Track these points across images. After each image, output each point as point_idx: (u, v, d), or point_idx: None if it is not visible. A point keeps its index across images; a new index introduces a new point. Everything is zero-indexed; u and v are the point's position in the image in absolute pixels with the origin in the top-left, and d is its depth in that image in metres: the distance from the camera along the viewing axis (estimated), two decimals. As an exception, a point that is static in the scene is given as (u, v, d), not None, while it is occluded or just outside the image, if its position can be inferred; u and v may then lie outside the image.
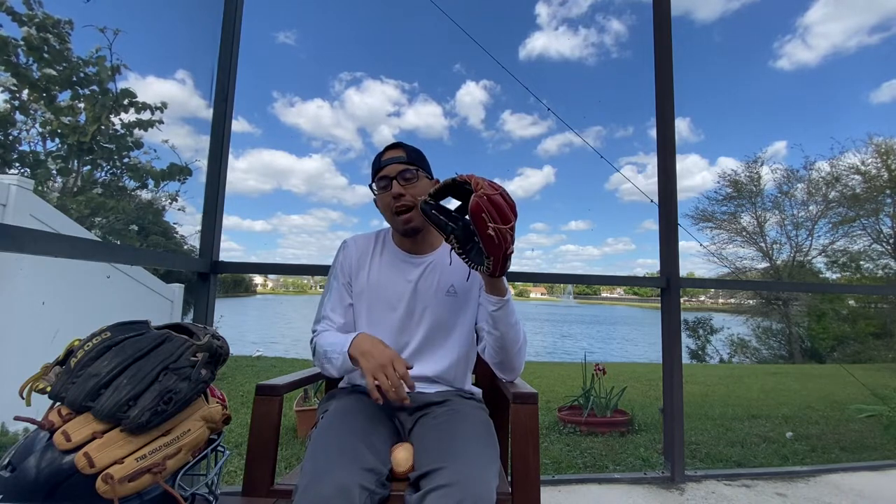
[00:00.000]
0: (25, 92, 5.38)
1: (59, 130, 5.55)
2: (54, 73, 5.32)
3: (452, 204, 1.01)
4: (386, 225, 1.28)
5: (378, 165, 1.15)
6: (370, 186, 1.19)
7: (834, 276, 12.31)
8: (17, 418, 0.79)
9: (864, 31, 21.86)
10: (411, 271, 1.18)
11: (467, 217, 0.94)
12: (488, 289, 1.03)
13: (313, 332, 1.16)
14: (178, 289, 5.14)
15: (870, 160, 11.34)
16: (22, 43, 5.08)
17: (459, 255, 0.97)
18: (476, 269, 0.96)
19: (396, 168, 1.13)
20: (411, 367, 0.96)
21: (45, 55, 5.22)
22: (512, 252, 0.93)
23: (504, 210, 0.89)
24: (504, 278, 1.02)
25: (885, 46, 18.87)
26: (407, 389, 0.92)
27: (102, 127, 5.74)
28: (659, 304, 2.32)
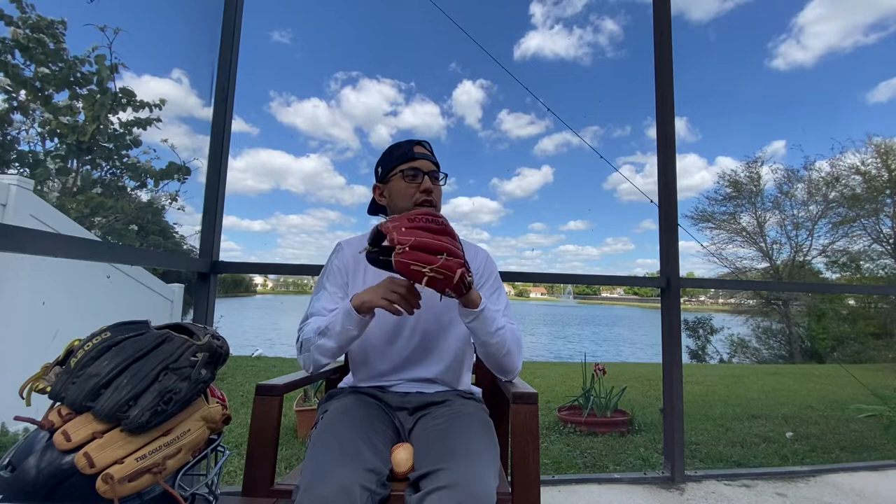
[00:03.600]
0: (23, 92, 5.39)
1: (57, 130, 5.54)
2: (48, 72, 5.31)
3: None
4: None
5: (411, 155, 1.16)
6: (386, 173, 1.18)
7: (834, 276, 12.33)
8: (17, 418, 0.79)
9: (860, 31, 21.87)
10: None
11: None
12: (460, 302, 1.01)
13: (299, 330, 1.13)
14: (177, 289, 5.14)
15: (870, 160, 11.35)
16: (13, 43, 5.08)
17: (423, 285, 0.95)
18: (444, 294, 0.93)
19: (429, 165, 1.16)
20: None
21: (41, 55, 5.22)
22: (466, 270, 0.90)
23: (432, 244, 0.86)
24: (472, 292, 0.99)
25: (881, 46, 18.87)
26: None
27: (101, 126, 5.74)
28: (659, 305, 2.32)
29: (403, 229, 0.86)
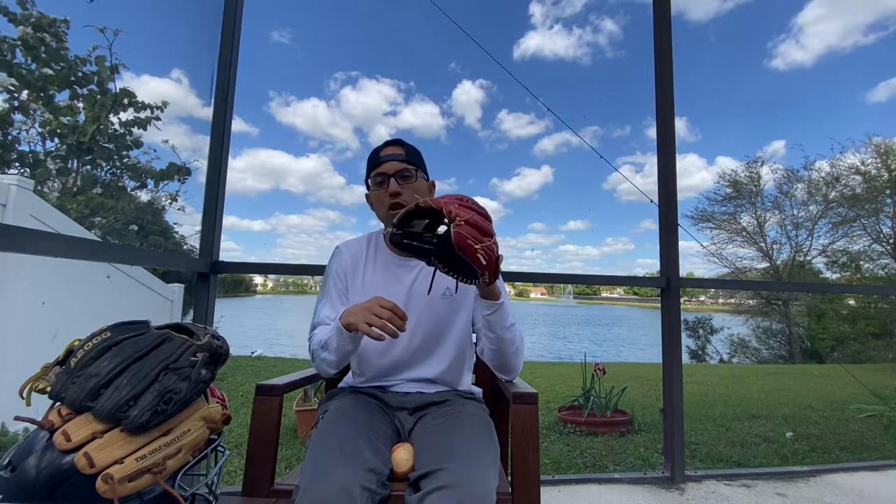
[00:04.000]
0: (25, 92, 5.39)
1: (58, 130, 5.54)
2: (51, 72, 5.31)
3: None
4: (378, 227, 1.27)
5: (376, 161, 1.15)
6: (366, 181, 1.19)
7: (834, 276, 12.33)
8: (17, 418, 0.79)
9: (859, 31, 21.89)
10: (405, 274, 1.17)
11: (440, 231, 0.94)
12: (482, 294, 1.02)
13: (309, 339, 1.13)
14: (178, 289, 5.14)
15: (869, 160, 11.35)
16: (19, 42, 5.08)
17: (446, 273, 0.94)
18: (469, 283, 0.95)
19: (395, 166, 1.13)
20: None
21: (43, 54, 5.22)
22: (501, 258, 0.93)
23: (482, 225, 0.88)
24: (497, 282, 1.01)
25: (880, 46, 18.88)
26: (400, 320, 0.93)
27: (101, 126, 5.74)
28: (659, 305, 2.32)
29: (457, 206, 0.88)
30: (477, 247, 0.86)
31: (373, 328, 0.91)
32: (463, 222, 0.85)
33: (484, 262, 0.87)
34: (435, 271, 0.96)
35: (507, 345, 1.07)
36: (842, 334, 10.75)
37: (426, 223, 0.97)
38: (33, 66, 5.29)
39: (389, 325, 0.90)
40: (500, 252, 0.91)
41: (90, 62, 5.62)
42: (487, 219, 0.91)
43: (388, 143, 1.18)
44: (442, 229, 0.96)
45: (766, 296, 12.64)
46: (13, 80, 5.13)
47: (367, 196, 1.22)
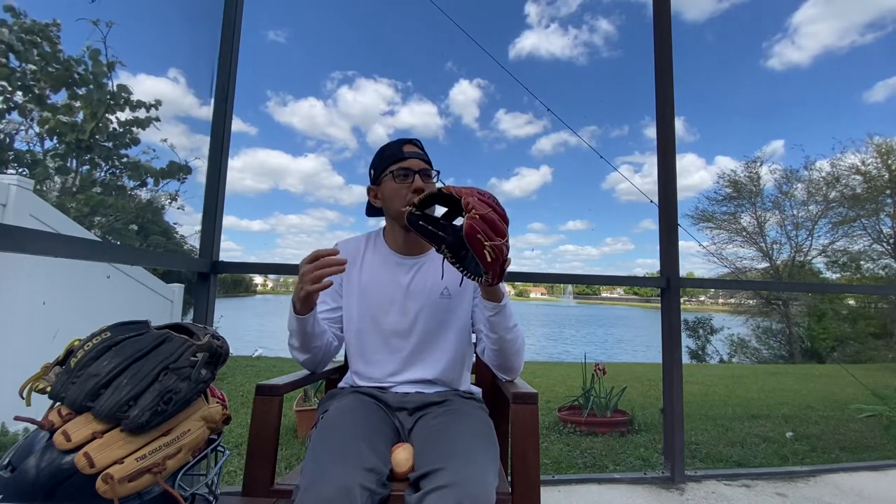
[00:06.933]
0: (20, 94, 5.39)
1: (56, 129, 5.54)
2: (37, 69, 5.31)
3: (439, 211, 1.00)
4: (377, 227, 1.28)
5: (400, 155, 1.15)
6: (370, 173, 1.19)
7: (834, 276, 12.33)
8: (17, 418, 0.79)
9: (856, 31, 21.94)
10: (403, 273, 1.17)
11: (456, 224, 0.94)
12: (485, 295, 1.02)
13: None
14: (178, 289, 5.14)
15: (870, 160, 11.36)
16: (8, 47, 5.09)
17: (453, 264, 0.94)
18: (472, 279, 0.95)
19: (420, 164, 1.14)
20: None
21: (36, 57, 5.23)
22: (509, 262, 0.93)
23: (497, 225, 0.88)
24: (501, 283, 1.01)
25: (877, 45, 18.92)
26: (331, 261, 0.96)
27: (100, 125, 5.74)
28: (659, 305, 2.32)
29: (476, 199, 0.88)
30: (486, 243, 0.86)
31: (316, 284, 0.95)
32: (478, 216, 0.86)
33: (489, 260, 0.87)
34: (444, 260, 0.97)
35: (509, 345, 1.07)
36: (842, 334, 10.76)
37: (445, 211, 0.97)
38: (22, 66, 5.28)
39: (327, 270, 0.94)
40: (509, 256, 0.91)
41: (85, 63, 5.62)
42: (505, 220, 0.91)
43: (407, 141, 1.19)
44: (459, 221, 0.95)
45: (766, 296, 12.64)
46: (5, 83, 5.13)
47: (370, 190, 1.22)
